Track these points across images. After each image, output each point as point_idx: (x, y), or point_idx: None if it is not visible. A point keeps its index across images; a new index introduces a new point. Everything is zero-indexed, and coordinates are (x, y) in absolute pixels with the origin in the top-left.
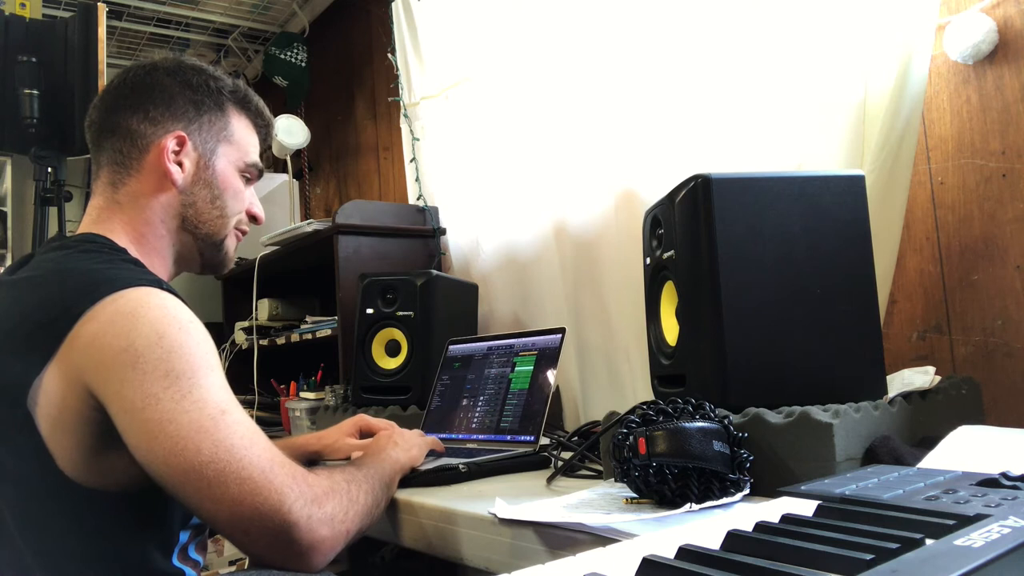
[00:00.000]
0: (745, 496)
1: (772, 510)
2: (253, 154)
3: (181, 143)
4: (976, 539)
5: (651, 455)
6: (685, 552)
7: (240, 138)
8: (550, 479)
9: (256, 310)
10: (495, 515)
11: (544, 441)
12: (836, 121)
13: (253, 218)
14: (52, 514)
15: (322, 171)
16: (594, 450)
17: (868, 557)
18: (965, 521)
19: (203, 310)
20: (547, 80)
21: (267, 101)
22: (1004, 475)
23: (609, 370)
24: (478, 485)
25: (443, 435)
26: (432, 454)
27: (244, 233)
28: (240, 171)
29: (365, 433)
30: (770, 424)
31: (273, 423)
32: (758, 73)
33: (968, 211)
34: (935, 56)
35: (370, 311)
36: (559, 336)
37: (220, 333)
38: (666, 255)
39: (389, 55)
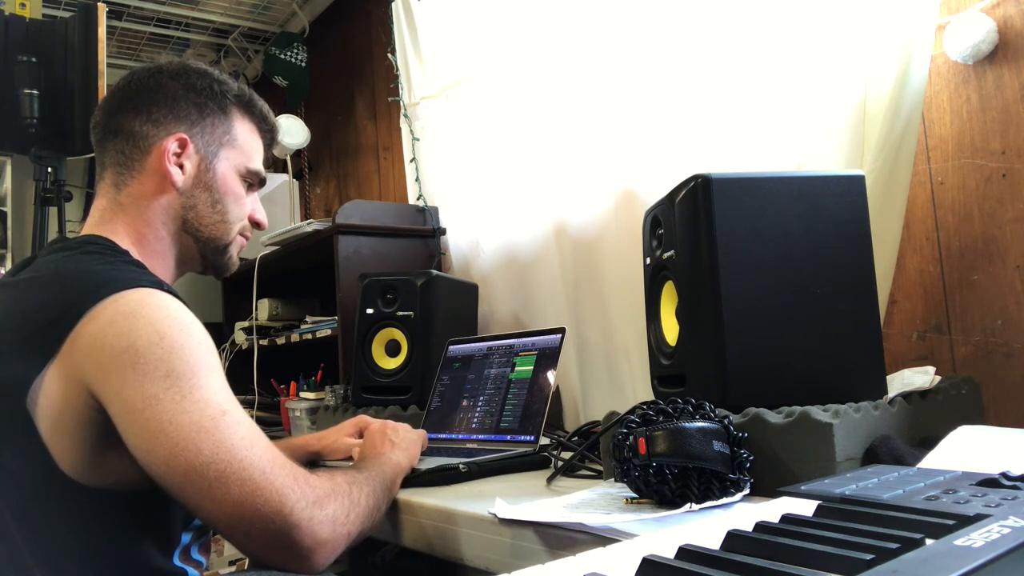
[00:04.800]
0: (745, 496)
1: (772, 510)
2: (256, 159)
3: (183, 145)
4: (976, 539)
5: (651, 455)
6: (685, 552)
7: (243, 142)
8: (550, 479)
9: (256, 310)
10: (495, 515)
11: (544, 441)
12: (836, 121)
13: (256, 224)
14: (52, 514)
15: (322, 171)
16: (594, 450)
17: (868, 557)
18: (965, 521)
19: (203, 310)
20: (547, 80)
21: (267, 101)
22: (1004, 475)
23: (609, 370)
24: (478, 485)
25: (443, 435)
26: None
27: (247, 239)
28: (242, 176)
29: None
30: (770, 424)
31: (273, 423)
32: (758, 73)
33: (968, 211)
34: (935, 56)
35: (370, 311)
36: (559, 336)
37: (220, 333)
38: (666, 255)
39: (389, 55)
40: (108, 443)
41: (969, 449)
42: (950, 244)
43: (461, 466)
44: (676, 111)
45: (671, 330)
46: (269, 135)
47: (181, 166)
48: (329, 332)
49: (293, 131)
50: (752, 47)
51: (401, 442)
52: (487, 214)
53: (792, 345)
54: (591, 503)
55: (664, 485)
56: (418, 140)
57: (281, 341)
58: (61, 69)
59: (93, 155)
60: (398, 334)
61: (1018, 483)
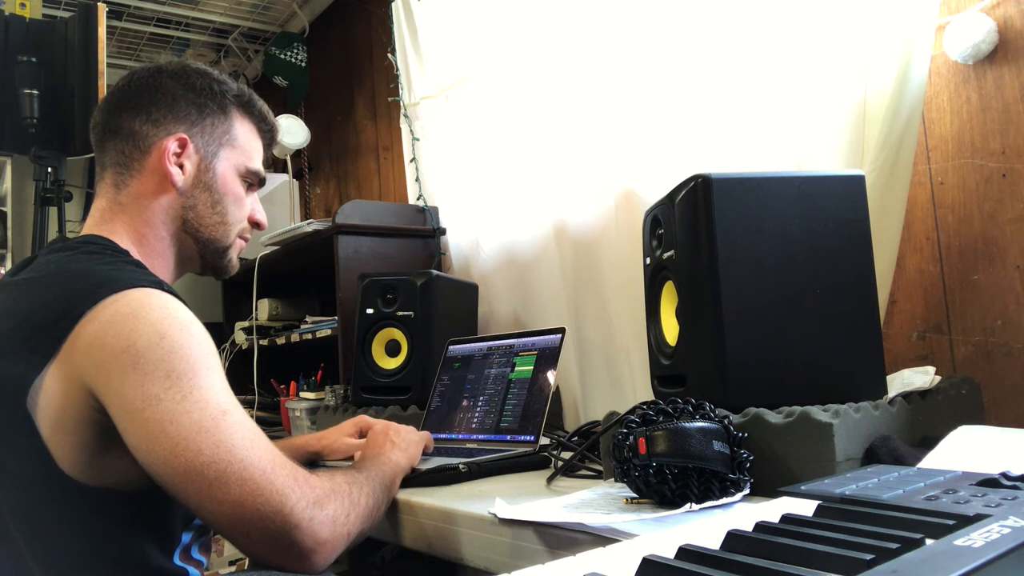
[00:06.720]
0: (745, 496)
1: (772, 510)
2: (256, 159)
3: (183, 145)
4: (976, 539)
5: (651, 455)
6: (685, 552)
7: (243, 142)
8: (550, 479)
9: (256, 310)
10: (495, 515)
11: (544, 441)
12: (836, 121)
13: (256, 224)
14: (53, 514)
15: (322, 171)
16: (594, 450)
17: (868, 557)
18: (965, 521)
19: (203, 310)
20: (547, 80)
21: (267, 101)
22: (1004, 475)
23: (609, 370)
24: (478, 485)
25: (443, 435)
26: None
27: (247, 241)
28: (241, 176)
29: (365, 434)
30: (770, 424)
31: (273, 423)
32: (758, 73)
33: (968, 211)
34: (935, 56)
35: (370, 311)
36: (559, 336)
37: (220, 333)
38: (666, 255)
39: (389, 55)
40: (108, 443)
41: (969, 449)
42: (950, 244)
43: (461, 466)
44: (676, 111)
45: (671, 330)
46: (269, 135)
47: (181, 166)
48: (329, 332)
49: (293, 131)
50: (752, 47)
51: (401, 442)
52: (487, 214)
53: (792, 345)
54: (591, 503)
55: (664, 485)
56: (418, 140)
57: (281, 341)
58: (61, 69)
59: (93, 155)
60: (398, 334)
61: (1018, 483)
